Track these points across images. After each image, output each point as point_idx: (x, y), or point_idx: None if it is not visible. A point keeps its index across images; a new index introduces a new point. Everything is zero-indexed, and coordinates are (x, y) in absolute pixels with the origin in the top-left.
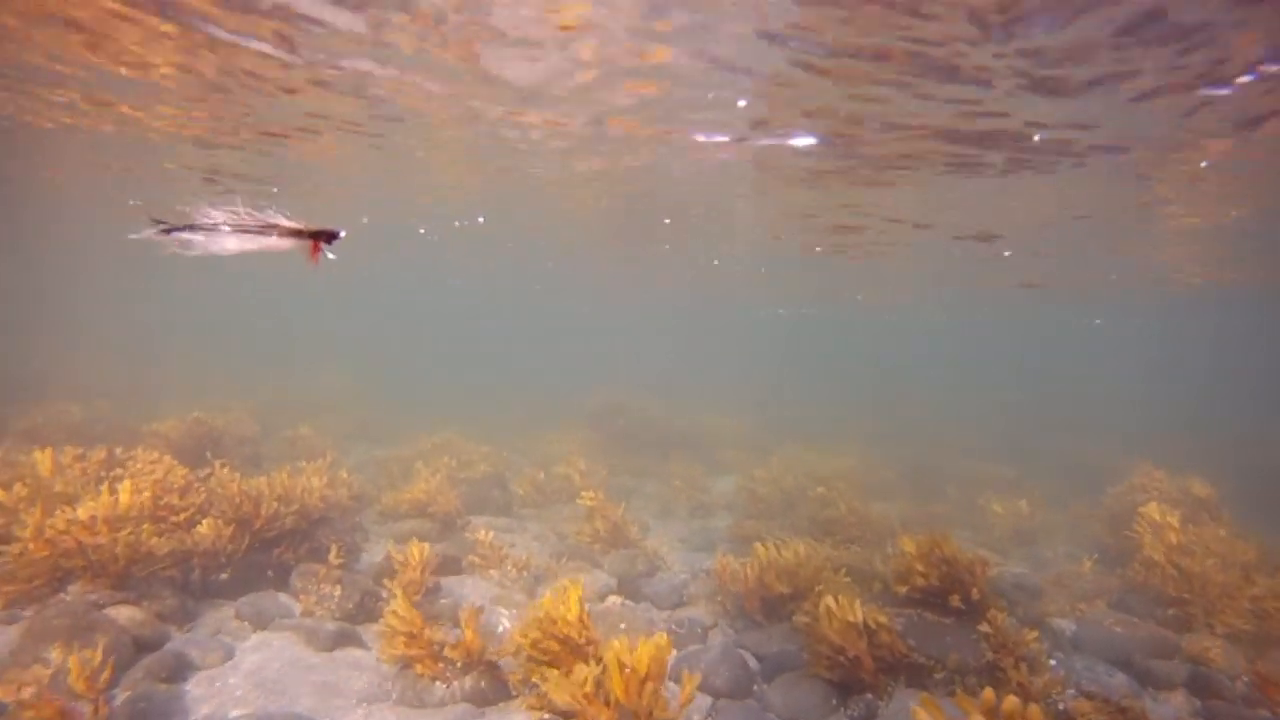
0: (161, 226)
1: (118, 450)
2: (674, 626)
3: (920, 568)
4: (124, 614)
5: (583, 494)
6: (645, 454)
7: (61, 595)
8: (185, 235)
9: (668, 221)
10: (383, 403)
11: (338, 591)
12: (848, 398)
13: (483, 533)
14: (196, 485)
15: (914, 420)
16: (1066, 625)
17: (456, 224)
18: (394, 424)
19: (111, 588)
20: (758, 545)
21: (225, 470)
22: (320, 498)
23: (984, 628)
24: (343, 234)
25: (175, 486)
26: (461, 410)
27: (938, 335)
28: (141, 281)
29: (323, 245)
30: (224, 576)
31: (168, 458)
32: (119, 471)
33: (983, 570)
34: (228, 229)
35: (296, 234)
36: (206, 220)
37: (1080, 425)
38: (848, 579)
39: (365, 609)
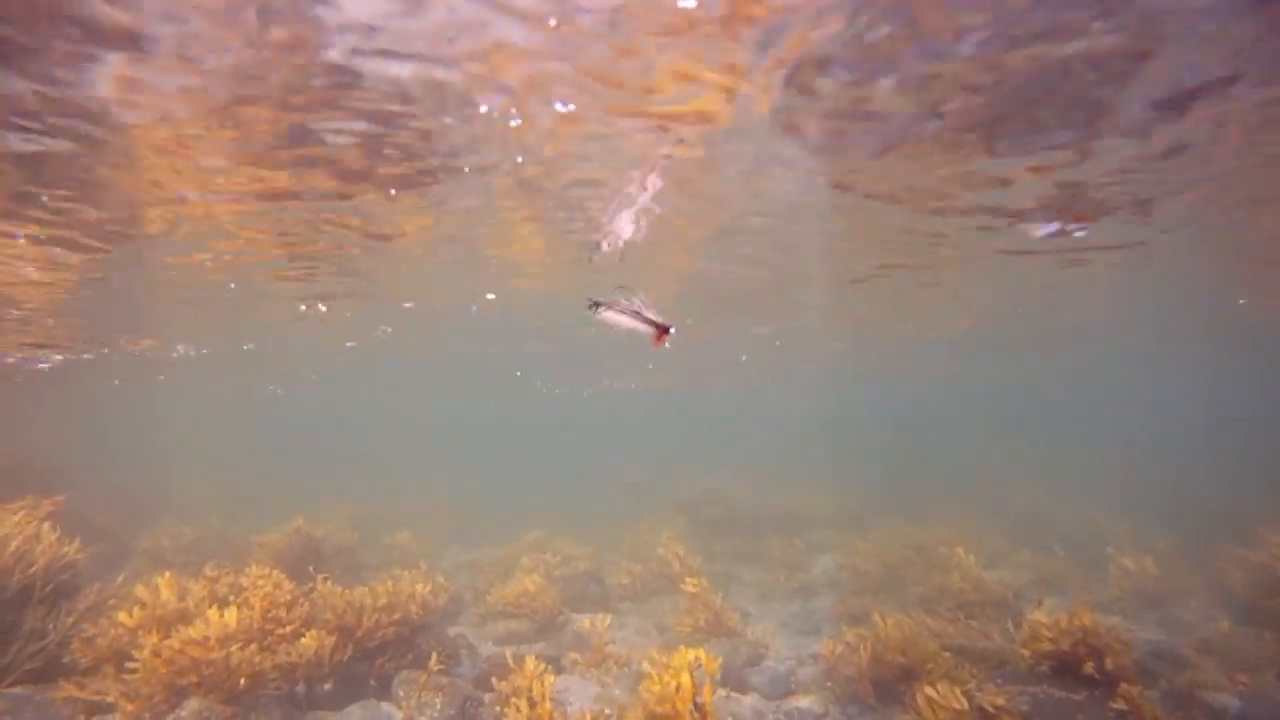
0: (595, 303)
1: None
2: (782, 718)
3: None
4: None
5: (685, 580)
6: (740, 538)
7: (178, 711)
8: (608, 312)
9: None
10: (472, 506)
11: (439, 699)
12: (936, 462)
13: (587, 623)
14: (301, 599)
15: (1008, 476)
16: (1228, 700)
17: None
18: (485, 526)
19: (223, 703)
20: (875, 617)
21: (328, 584)
22: (421, 604)
23: (1118, 704)
24: (673, 330)
25: (283, 601)
26: (549, 507)
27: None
28: (244, 412)
29: (665, 336)
30: (327, 687)
31: (276, 572)
32: (246, 595)
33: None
34: (629, 311)
35: (652, 324)
36: (622, 304)
37: (1200, 466)
38: (958, 656)
39: (466, 714)
